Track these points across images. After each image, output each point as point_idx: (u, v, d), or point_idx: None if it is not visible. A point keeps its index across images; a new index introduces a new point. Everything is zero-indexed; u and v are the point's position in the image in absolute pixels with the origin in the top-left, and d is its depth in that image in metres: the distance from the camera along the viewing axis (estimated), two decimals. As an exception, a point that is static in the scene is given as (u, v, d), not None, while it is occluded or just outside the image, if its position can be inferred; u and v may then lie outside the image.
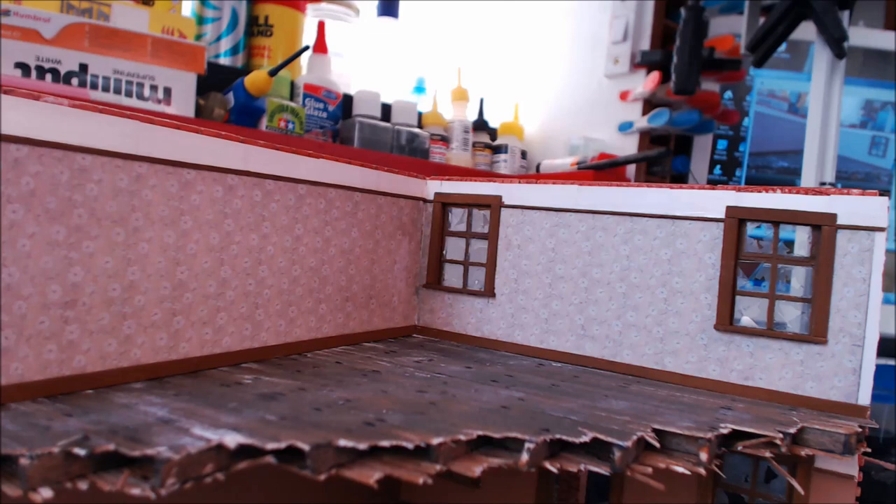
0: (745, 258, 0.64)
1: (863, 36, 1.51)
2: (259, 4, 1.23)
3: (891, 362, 1.18)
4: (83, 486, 0.34)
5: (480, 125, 1.52)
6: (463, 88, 1.46)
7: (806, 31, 1.13)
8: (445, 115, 1.44)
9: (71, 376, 0.46)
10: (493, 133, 1.56)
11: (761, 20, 1.13)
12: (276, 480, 0.67)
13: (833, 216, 0.59)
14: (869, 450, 0.54)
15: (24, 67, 0.88)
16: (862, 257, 0.58)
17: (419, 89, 1.52)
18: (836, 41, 1.05)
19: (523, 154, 1.56)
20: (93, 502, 0.40)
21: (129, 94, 0.95)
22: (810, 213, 0.60)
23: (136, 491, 0.34)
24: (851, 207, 0.59)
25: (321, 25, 1.27)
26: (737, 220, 0.63)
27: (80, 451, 0.35)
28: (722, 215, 0.64)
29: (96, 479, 0.35)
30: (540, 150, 1.60)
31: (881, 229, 0.58)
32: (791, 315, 0.64)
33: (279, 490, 0.67)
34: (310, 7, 1.32)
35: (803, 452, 0.51)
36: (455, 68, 1.49)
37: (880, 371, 0.59)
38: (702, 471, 0.46)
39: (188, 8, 1.20)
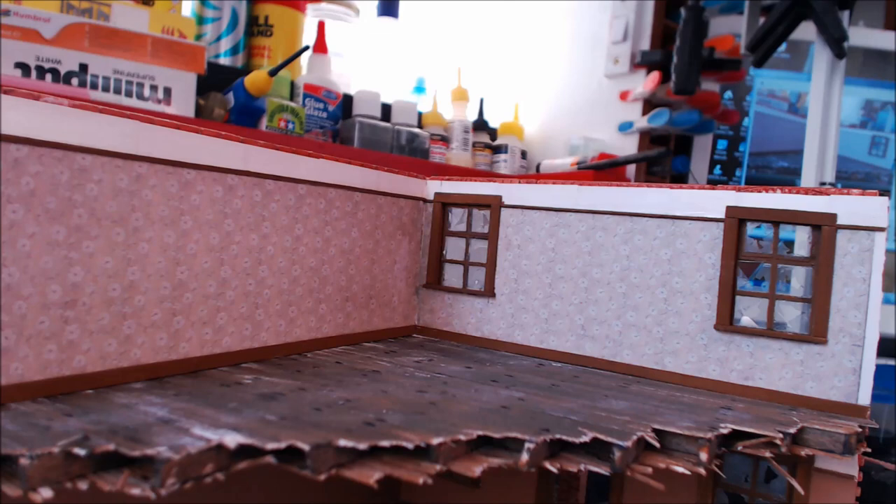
0: (745, 258, 0.64)
1: (863, 36, 1.51)
2: (259, 4, 1.23)
3: (891, 362, 1.18)
4: (83, 486, 0.34)
5: (480, 125, 1.52)
6: (463, 88, 1.46)
7: (806, 31, 1.13)
8: (445, 115, 1.44)
9: (71, 376, 0.46)
10: (493, 133, 1.56)
11: (761, 20, 1.13)
12: (276, 480, 0.67)
13: (833, 216, 0.59)
14: (869, 450, 0.54)
15: (24, 67, 0.88)
16: (862, 257, 0.58)
17: (419, 89, 1.52)
18: (836, 41, 1.05)
19: (523, 154, 1.56)
20: (93, 502, 0.40)
21: (129, 94, 0.95)
22: (810, 213, 0.60)
23: (136, 491, 0.34)
24: (851, 207, 0.59)
25: (321, 25, 1.27)
26: (737, 220, 0.63)
27: (80, 451, 0.35)
28: (722, 215, 0.64)
29: (96, 479, 0.35)
30: (540, 150, 1.60)
31: (881, 229, 0.58)
32: (791, 315, 0.64)
33: (279, 490, 0.67)
34: (310, 7, 1.32)
35: (803, 452, 0.51)
36: (455, 68, 1.49)
37: (880, 371, 0.59)
38: (702, 471, 0.46)
39: (188, 8, 1.20)
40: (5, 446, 0.34)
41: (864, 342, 0.58)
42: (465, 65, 1.52)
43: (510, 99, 1.62)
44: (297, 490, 0.68)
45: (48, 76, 0.89)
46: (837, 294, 0.59)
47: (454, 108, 1.46)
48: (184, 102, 1.00)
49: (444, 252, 0.82)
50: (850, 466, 0.55)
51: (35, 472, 0.33)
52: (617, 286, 0.69)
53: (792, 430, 0.51)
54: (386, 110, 1.33)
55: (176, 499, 0.37)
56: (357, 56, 1.38)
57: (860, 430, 0.53)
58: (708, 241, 0.65)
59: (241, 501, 0.64)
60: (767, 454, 0.49)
